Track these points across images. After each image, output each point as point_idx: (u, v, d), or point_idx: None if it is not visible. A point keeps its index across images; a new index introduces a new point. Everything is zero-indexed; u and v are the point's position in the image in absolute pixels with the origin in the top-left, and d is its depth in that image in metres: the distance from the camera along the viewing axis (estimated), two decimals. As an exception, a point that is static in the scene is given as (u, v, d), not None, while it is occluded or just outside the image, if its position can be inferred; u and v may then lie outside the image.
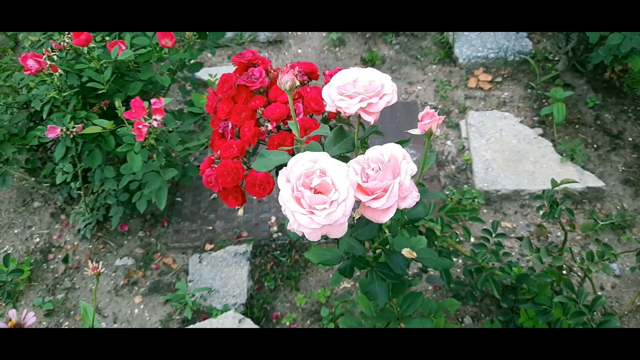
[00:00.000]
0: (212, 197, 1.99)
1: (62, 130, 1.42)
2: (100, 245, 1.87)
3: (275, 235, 1.87)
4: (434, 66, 2.62)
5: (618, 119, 2.31)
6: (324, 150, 0.95)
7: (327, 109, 0.90)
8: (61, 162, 1.53)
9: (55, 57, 1.31)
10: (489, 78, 2.48)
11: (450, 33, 2.65)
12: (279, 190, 0.77)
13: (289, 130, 1.15)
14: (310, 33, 2.84)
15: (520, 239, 1.44)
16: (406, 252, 1.06)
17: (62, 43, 1.38)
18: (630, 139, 2.24)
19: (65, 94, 1.39)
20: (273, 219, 1.92)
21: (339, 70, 1.23)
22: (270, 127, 1.13)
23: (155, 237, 1.89)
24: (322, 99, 1.17)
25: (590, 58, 2.01)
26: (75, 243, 1.88)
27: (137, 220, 1.93)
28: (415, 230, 1.20)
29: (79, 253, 1.86)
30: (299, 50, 2.75)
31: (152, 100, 1.27)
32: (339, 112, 1.17)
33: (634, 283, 1.78)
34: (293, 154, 0.94)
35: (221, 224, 1.91)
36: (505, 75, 2.51)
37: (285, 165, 0.84)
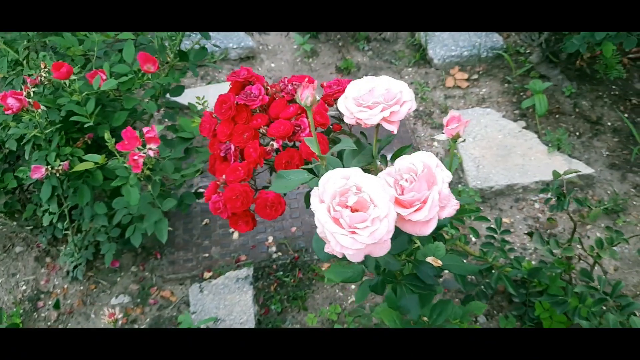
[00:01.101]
0: (204, 223, 1.93)
1: (47, 169, 1.34)
2: (92, 285, 1.78)
3: (274, 256, 1.82)
4: (410, 69, 2.62)
5: (595, 105, 2.35)
6: (343, 165, 0.91)
7: (346, 121, 0.86)
8: (48, 203, 1.44)
9: (32, 93, 1.24)
10: (466, 76, 2.49)
11: (422, 35, 2.65)
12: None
13: (295, 147, 1.11)
14: (281, 46, 2.81)
15: (530, 234, 1.43)
16: (431, 260, 1.03)
17: (38, 78, 1.31)
18: (609, 124, 2.28)
19: (47, 131, 1.32)
20: (270, 239, 1.87)
21: (337, 80, 1.20)
22: (276, 145, 1.09)
23: (149, 271, 1.81)
24: (326, 112, 1.14)
25: (565, 47, 2.04)
26: (65, 286, 1.79)
27: (128, 255, 1.85)
28: (434, 237, 1.17)
29: (70, 296, 1.77)
30: (272, 65, 2.72)
31: (145, 129, 1.21)
32: (341, 122, 1.15)
33: (635, 264, 1.79)
34: (312, 172, 0.91)
35: (217, 250, 1.85)
36: (480, 72, 2.53)
37: (313, 183, 0.80)
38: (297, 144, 1.13)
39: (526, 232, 1.86)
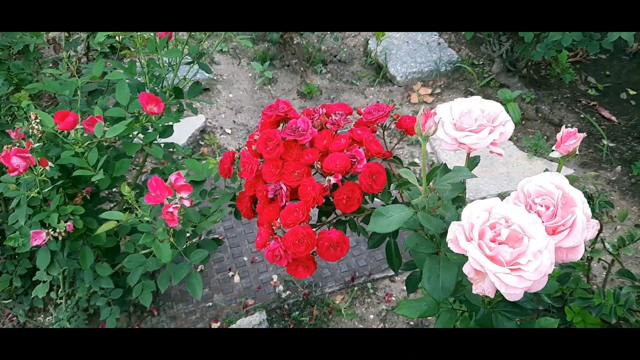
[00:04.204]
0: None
1: (47, 233, 1.17)
2: (85, 356, 1.58)
3: (284, 295, 1.71)
4: (372, 88, 2.62)
5: (554, 109, 2.46)
6: (440, 198, 0.86)
7: (446, 148, 0.81)
8: (46, 271, 1.26)
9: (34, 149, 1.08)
10: (429, 91, 2.52)
11: (380, 54, 2.66)
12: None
13: (353, 179, 1.04)
14: (235, 75, 2.71)
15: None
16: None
17: (31, 130, 1.14)
18: (570, 125, 2.39)
19: (46, 190, 1.15)
20: (275, 278, 1.76)
21: (376, 105, 1.15)
22: (333, 180, 1.01)
23: (148, 330, 1.64)
24: (377, 141, 1.08)
25: (532, 55, 2.11)
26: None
27: (121, 317, 1.66)
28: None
29: (59, 372, 1.55)
30: (231, 95, 2.61)
31: (172, 176, 1.08)
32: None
33: (630, 258, 1.87)
34: (408, 205, 0.84)
35: (220, 297, 1.71)
36: (442, 86, 2.57)
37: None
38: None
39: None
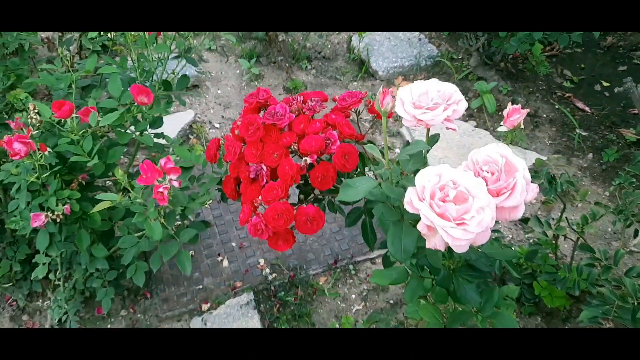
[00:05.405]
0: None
1: (46, 215, 1.26)
2: (82, 337, 1.66)
3: (270, 277, 1.80)
4: (356, 83, 2.71)
5: (529, 100, 2.56)
6: (401, 168, 0.95)
7: (406, 124, 0.91)
8: (45, 252, 1.34)
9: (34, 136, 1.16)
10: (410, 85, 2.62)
11: (363, 50, 2.76)
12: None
13: (328, 160, 1.13)
14: (223, 72, 2.80)
15: (525, 220, 1.54)
16: (473, 250, 1.09)
17: (30, 120, 1.22)
18: (544, 116, 2.50)
19: (44, 175, 1.24)
20: (262, 261, 1.85)
21: (349, 93, 1.24)
22: (309, 160, 1.10)
23: (141, 312, 1.73)
24: (350, 124, 1.17)
25: (507, 49, 2.22)
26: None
27: (115, 299, 1.75)
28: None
29: (57, 353, 1.64)
30: (219, 91, 2.70)
31: (162, 160, 1.17)
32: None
33: (597, 237, 1.97)
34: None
35: (210, 280, 1.80)
36: (422, 79, 2.67)
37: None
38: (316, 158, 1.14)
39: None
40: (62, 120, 1.25)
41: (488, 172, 0.80)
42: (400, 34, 2.87)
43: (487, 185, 0.79)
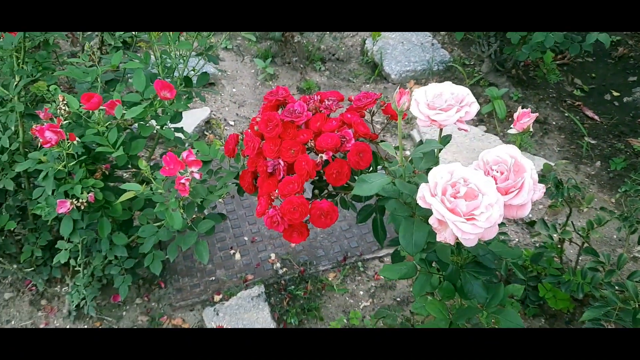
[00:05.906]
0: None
1: (72, 202, 1.31)
2: (97, 322, 1.72)
3: (281, 272, 1.85)
4: (368, 85, 2.76)
5: (539, 107, 2.60)
6: (414, 167, 1.00)
7: (420, 124, 0.95)
8: (69, 238, 1.40)
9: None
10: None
11: (376, 53, 2.81)
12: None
13: (343, 157, 1.18)
14: (239, 71, 2.86)
15: (531, 223, 1.58)
16: (481, 248, 1.13)
17: (59, 111, 1.28)
18: (554, 123, 2.54)
19: (71, 164, 1.29)
20: (273, 256, 1.90)
21: (365, 94, 1.29)
22: (325, 157, 1.15)
23: (155, 301, 1.78)
24: (365, 124, 1.22)
25: (518, 56, 2.26)
26: (68, 327, 1.71)
27: (131, 288, 1.80)
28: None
29: (74, 337, 1.69)
30: (234, 90, 2.75)
31: (185, 153, 1.22)
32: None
33: (602, 243, 2.01)
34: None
35: (222, 272, 1.85)
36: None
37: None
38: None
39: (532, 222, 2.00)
40: (89, 112, 1.31)
41: (497, 172, 0.84)
42: (414, 38, 2.91)
43: (496, 183, 0.83)
